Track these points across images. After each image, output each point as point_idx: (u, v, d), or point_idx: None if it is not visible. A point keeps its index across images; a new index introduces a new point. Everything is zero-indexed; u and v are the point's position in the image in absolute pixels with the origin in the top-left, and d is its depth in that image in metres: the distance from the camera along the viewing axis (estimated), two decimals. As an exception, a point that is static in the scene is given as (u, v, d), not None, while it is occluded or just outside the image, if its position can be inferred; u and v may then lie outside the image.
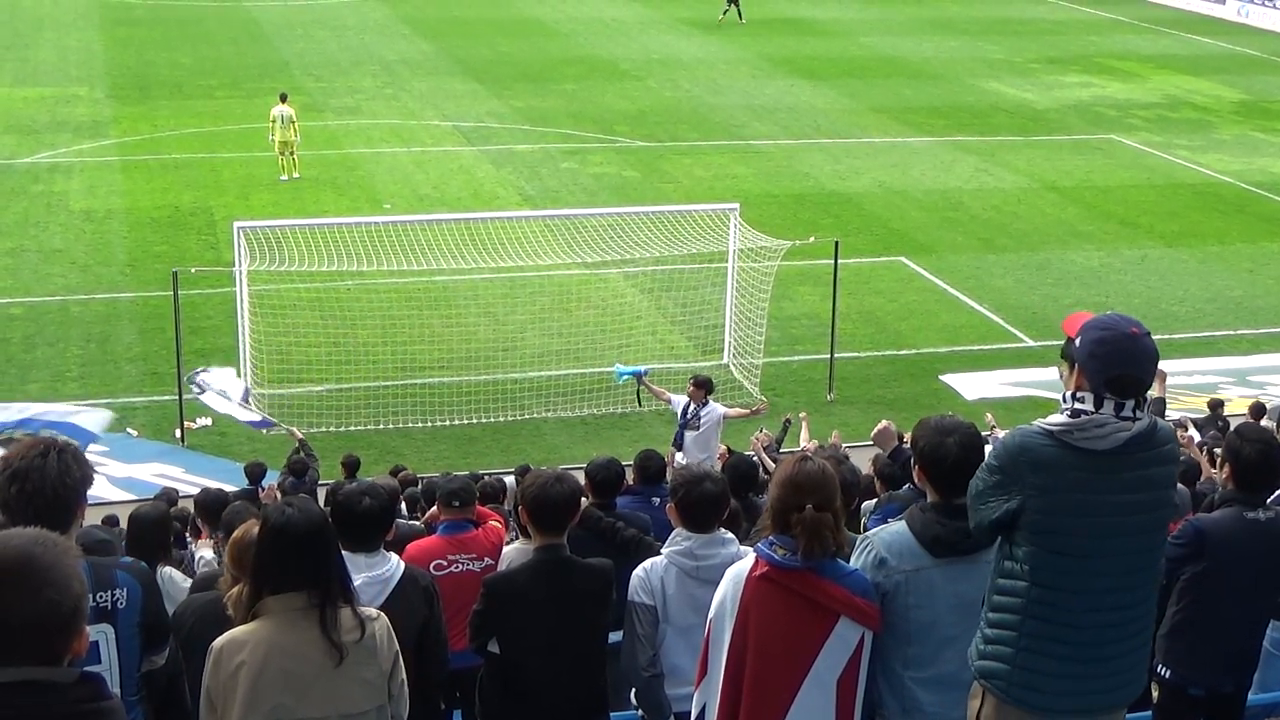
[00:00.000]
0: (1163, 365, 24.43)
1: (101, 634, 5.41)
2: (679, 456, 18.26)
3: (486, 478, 15.30)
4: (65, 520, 5.29)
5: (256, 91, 41.56)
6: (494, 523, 9.64)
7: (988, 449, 5.55)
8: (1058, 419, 5.21)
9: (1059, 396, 5.36)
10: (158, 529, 9.84)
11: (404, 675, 5.58)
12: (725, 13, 56.93)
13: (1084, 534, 5.16)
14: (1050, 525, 5.16)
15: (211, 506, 12.39)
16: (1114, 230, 33.07)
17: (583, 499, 7.86)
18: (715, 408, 19.03)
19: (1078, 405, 5.17)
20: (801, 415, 20.03)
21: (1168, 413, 21.53)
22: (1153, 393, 13.32)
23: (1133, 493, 5.18)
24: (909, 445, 7.15)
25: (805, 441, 18.44)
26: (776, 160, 37.53)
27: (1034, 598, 5.22)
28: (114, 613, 5.51)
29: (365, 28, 53.22)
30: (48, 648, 3.59)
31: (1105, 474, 5.13)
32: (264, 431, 20.98)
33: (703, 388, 19.06)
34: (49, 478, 5.25)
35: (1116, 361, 5.11)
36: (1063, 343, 5.41)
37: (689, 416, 18.91)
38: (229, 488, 18.07)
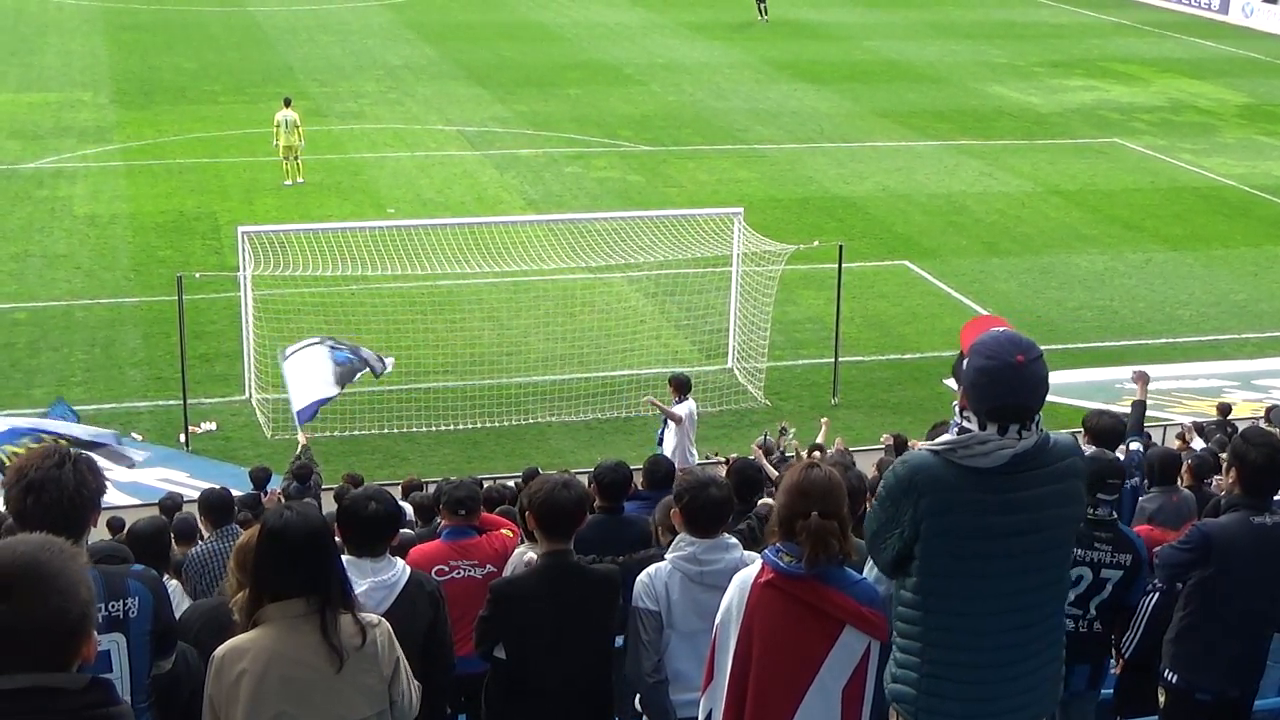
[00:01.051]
0: (1167, 369, 24.46)
1: (114, 643, 5.40)
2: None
3: (491, 483, 15.33)
4: (79, 530, 5.29)
5: (260, 96, 41.60)
6: (505, 531, 9.61)
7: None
8: (943, 438, 5.15)
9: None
10: (155, 542, 9.89)
11: (407, 682, 5.56)
12: (764, 15, 57.49)
13: (974, 555, 5.08)
14: (941, 548, 5.08)
15: (216, 506, 12.38)
16: (1118, 234, 33.06)
17: (590, 504, 7.84)
18: (680, 406, 19.33)
19: (964, 423, 5.10)
20: (823, 420, 20.10)
21: (1175, 417, 21.58)
22: (1134, 395, 13.35)
23: (1023, 512, 5.08)
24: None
25: (821, 441, 18.49)
26: (780, 164, 37.54)
27: (931, 624, 5.17)
28: (126, 622, 5.51)
29: (369, 32, 53.26)
30: (57, 654, 3.59)
31: (992, 493, 5.05)
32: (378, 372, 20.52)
33: (673, 386, 19.57)
34: (66, 489, 5.23)
35: (997, 393, 5.00)
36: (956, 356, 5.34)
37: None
38: (234, 493, 18.09)
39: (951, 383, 5.35)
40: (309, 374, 19.41)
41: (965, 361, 5.11)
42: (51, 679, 3.58)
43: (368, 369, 19.74)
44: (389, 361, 20.29)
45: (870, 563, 5.74)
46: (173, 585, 9.68)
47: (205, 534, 12.39)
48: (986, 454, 5.02)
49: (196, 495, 18.53)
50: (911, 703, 5.23)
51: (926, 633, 5.17)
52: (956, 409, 5.19)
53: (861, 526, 5.68)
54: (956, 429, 5.13)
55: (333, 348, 19.63)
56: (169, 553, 11.48)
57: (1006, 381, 4.98)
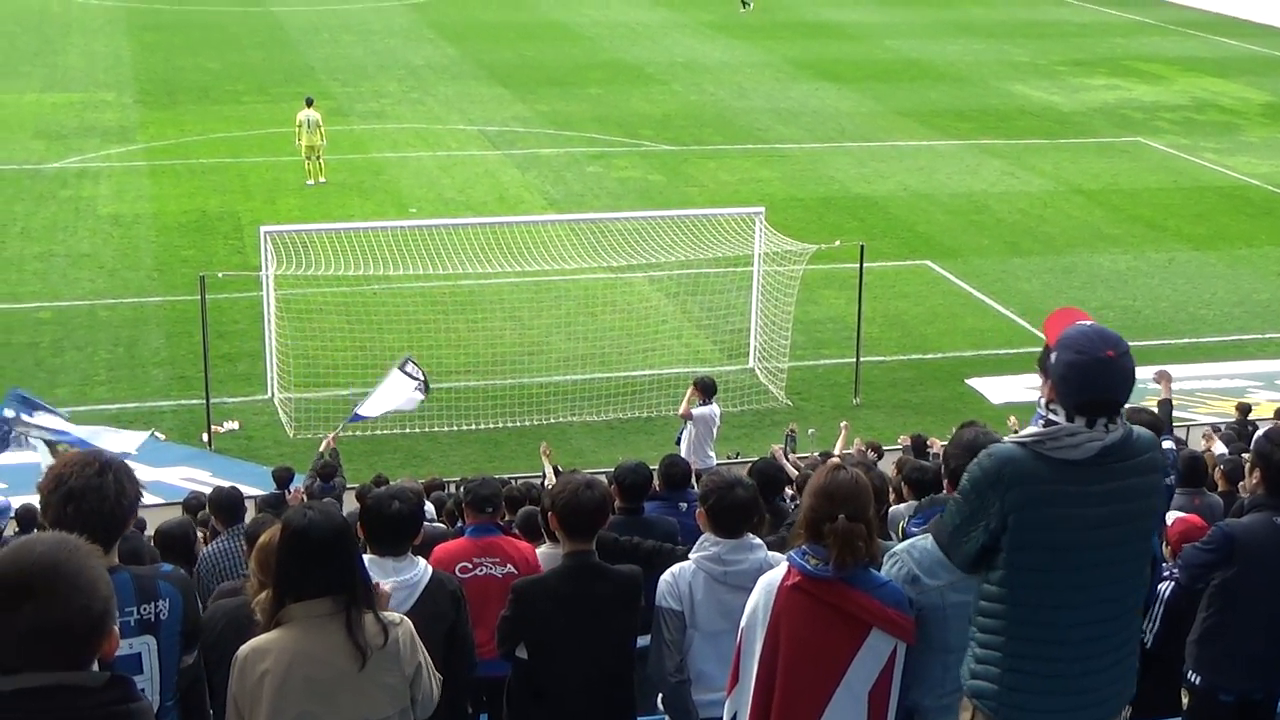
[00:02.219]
0: (1191, 369, 24.37)
1: (144, 645, 5.41)
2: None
3: (514, 483, 15.35)
4: (115, 537, 5.31)
5: (283, 96, 41.71)
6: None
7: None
8: (1030, 430, 5.16)
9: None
10: (182, 542, 9.95)
11: (429, 680, 5.57)
12: (746, 5, 57.73)
13: (1062, 547, 5.09)
14: (1029, 541, 5.08)
15: (226, 505, 12.41)
16: (1141, 233, 32.97)
17: (612, 505, 7.84)
18: (703, 409, 19.28)
19: (1050, 416, 5.11)
20: (843, 424, 20.07)
21: (1199, 418, 21.52)
22: (1159, 395, 13.25)
23: (1109, 504, 5.10)
24: (940, 456, 7.11)
25: (841, 449, 18.46)
26: (801, 164, 37.51)
27: (1016, 617, 5.17)
28: (157, 624, 5.52)
29: (391, 32, 53.35)
30: (79, 652, 3.61)
31: (1081, 484, 5.06)
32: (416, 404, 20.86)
33: (698, 388, 19.50)
34: (107, 498, 5.21)
35: (1088, 387, 5.02)
36: (1043, 347, 5.35)
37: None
38: (256, 491, 18.15)
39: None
40: (393, 391, 19.85)
41: (1053, 355, 5.11)
42: (72, 677, 3.60)
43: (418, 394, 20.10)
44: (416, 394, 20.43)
45: (889, 567, 5.73)
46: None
47: (218, 531, 12.42)
48: (1076, 446, 5.05)
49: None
50: (993, 698, 5.22)
51: (1011, 626, 5.17)
52: (1042, 402, 5.18)
53: (881, 526, 5.70)
54: (1042, 421, 5.13)
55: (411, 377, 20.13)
56: (195, 552, 11.55)
57: (1097, 375, 5.02)
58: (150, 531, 14.78)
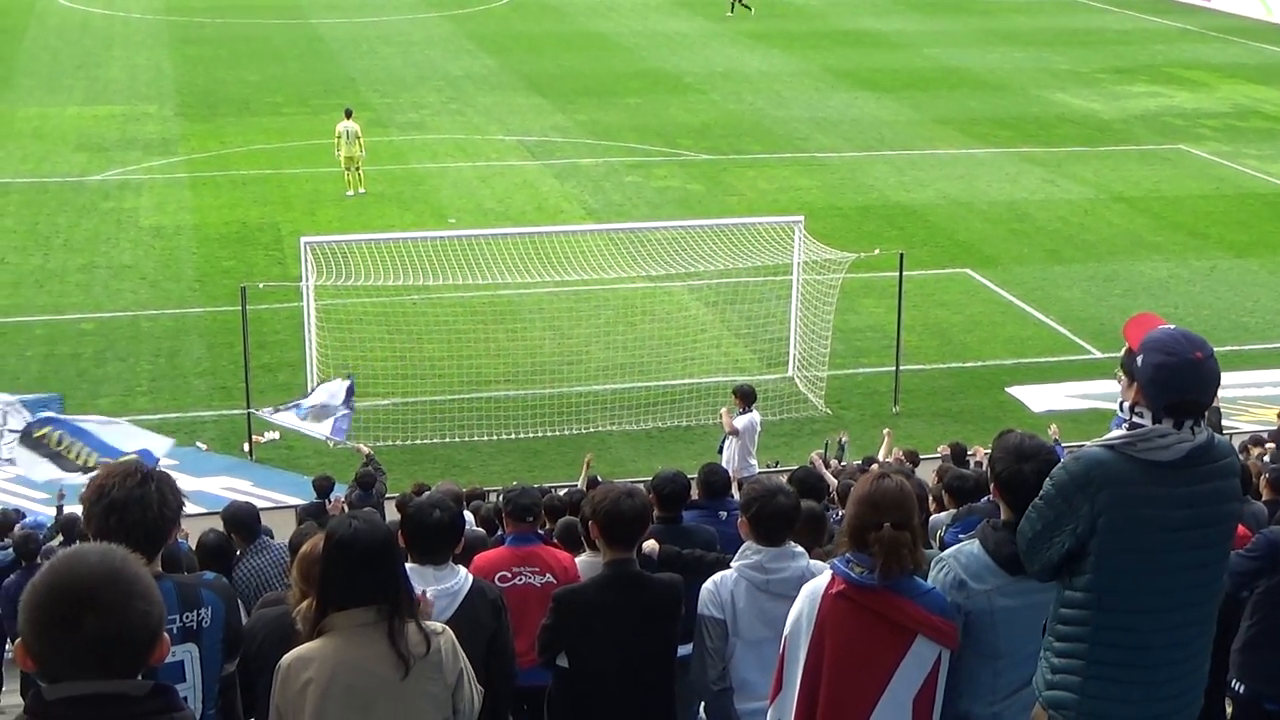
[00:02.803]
0: (1233, 377, 24.18)
1: (187, 653, 5.43)
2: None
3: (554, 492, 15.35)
4: (159, 548, 5.33)
5: (322, 108, 41.88)
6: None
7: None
8: (1117, 434, 5.16)
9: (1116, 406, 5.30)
10: (221, 554, 9.97)
11: (471, 690, 5.57)
12: (733, 9, 58.32)
13: (1151, 549, 5.09)
14: (1118, 544, 5.08)
15: (243, 521, 12.26)
16: (1183, 241, 32.77)
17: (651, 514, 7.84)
18: (743, 417, 19.31)
19: (1136, 419, 5.12)
20: (885, 431, 20.03)
21: (1241, 426, 21.37)
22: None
23: (1198, 506, 5.12)
24: (986, 463, 7.07)
25: (884, 456, 18.43)
26: (840, 173, 37.45)
27: (1101, 623, 5.15)
28: (199, 632, 5.55)
29: (430, 43, 53.53)
30: (136, 659, 3.61)
31: (1171, 486, 5.07)
32: (331, 443, 21.05)
33: (739, 396, 19.64)
34: (150, 509, 5.24)
35: (1178, 388, 5.04)
36: (1124, 350, 5.34)
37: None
38: (297, 501, 18.22)
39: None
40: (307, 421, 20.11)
41: (1140, 358, 5.14)
42: (116, 686, 3.59)
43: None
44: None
45: (935, 573, 5.70)
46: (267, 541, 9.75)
47: (238, 550, 12.19)
48: (1166, 447, 5.07)
49: (260, 504, 18.72)
50: (1073, 708, 5.21)
51: (1095, 632, 5.16)
52: (1125, 405, 5.21)
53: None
54: (1125, 424, 5.15)
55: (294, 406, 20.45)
56: (234, 564, 11.55)
57: (1187, 377, 5.05)
58: (192, 542, 14.87)
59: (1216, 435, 5.24)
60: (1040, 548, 5.21)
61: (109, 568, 3.58)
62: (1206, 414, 5.16)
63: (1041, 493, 5.25)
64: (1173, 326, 5.22)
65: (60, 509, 17.44)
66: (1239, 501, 5.35)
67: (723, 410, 19.89)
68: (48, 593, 3.54)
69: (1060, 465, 5.24)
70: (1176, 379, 5.03)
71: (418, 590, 6.33)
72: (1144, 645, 5.15)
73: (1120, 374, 5.28)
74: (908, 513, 5.53)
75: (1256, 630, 7.55)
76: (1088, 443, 5.28)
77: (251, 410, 21.49)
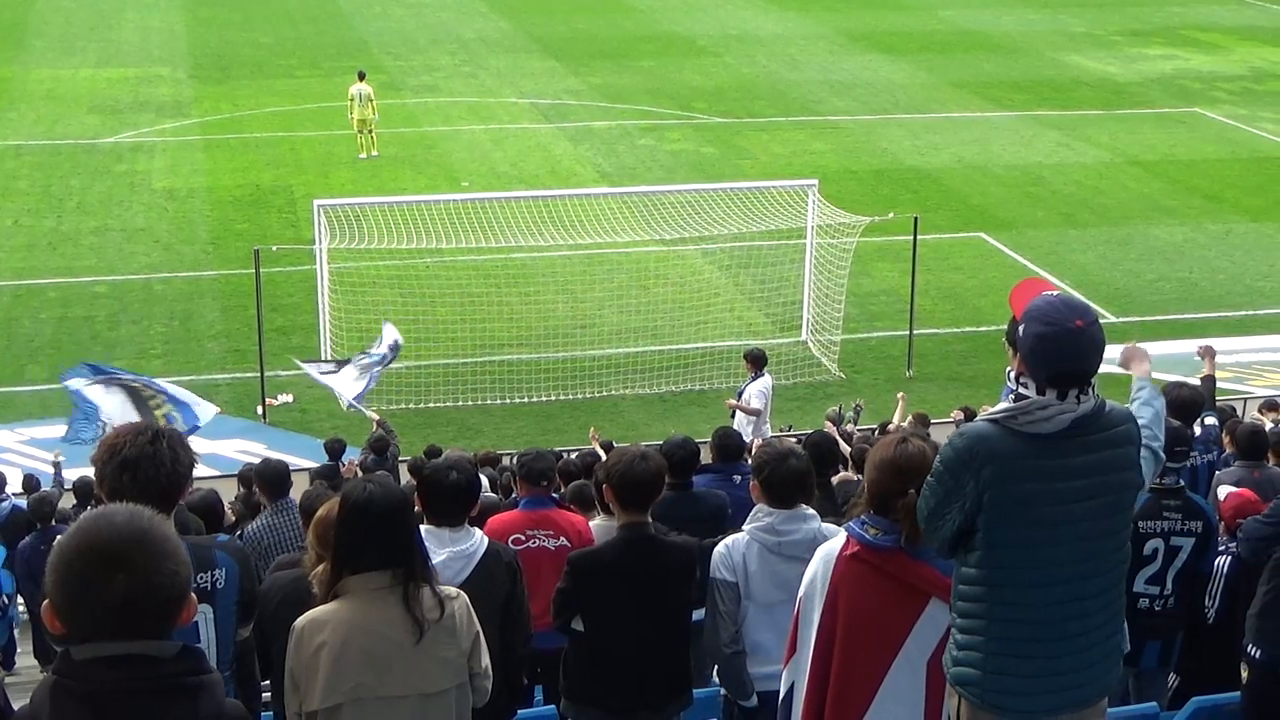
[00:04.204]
0: (1248, 342, 24.07)
1: (201, 615, 5.45)
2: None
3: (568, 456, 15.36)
4: (172, 505, 5.35)
5: (335, 70, 41.81)
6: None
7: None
8: (1001, 406, 5.11)
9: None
10: (210, 512, 10.03)
11: (485, 656, 5.57)
12: None
13: (1039, 523, 5.02)
14: (1005, 517, 5.01)
15: (273, 478, 12.32)
16: (1198, 205, 32.64)
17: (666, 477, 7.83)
18: (757, 382, 19.17)
19: (1020, 390, 5.05)
20: (899, 395, 19.99)
21: (1256, 391, 21.31)
22: (1202, 371, 13.17)
23: (1085, 477, 5.03)
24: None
25: (899, 421, 18.38)
26: (855, 136, 37.32)
27: (996, 598, 5.10)
28: (213, 593, 5.55)
29: (443, 6, 53.36)
30: (167, 618, 3.60)
31: (1054, 458, 4.99)
32: (344, 405, 20.98)
33: (750, 361, 19.48)
34: (163, 466, 5.27)
35: (1058, 358, 4.96)
36: (1009, 320, 5.27)
37: (741, 390, 19.45)
38: (310, 464, 18.26)
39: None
40: (337, 376, 19.92)
41: (1021, 328, 5.07)
42: (144, 646, 3.57)
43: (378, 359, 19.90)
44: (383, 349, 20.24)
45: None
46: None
47: (264, 506, 12.31)
48: (1048, 419, 4.98)
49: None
50: (977, 684, 5.16)
51: (991, 608, 5.11)
52: (1011, 375, 5.14)
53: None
54: (1012, 396, 5.09)
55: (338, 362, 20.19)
56: (223, 524, 11.56)
57: (1067, 347, 4.96)
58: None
59: (1109, 403, 5.15)
60: (935, 525, 5.15)
61: (138, 528, 3.56)
62: (1094, 382, 5.07)
63: (932, 469, 5.19)
64: (1055, 294, 5.15)
65: (58, 466, 17.53)
66: (1134, 470, 5.21)
67: (729, 403, 19.70)
68: (77, 554, 3.52)
69: (947, 442, 5.18)
70: (1056, 349, 4.95)
71: (440, 552, 6.35)
72: (1039, 620, 5.08)
73: (1006, 344, 5.24)
74: None
75: (1273, 595, 7.53)
76: (978, 416, 5.23)
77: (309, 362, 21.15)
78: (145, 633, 3.56)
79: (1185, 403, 10.03)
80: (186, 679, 3.62)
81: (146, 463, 5.24)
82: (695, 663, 7.36)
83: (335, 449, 17.29)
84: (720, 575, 6.73)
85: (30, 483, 16.71)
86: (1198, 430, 10.82)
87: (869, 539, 5.48)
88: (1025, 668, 5.11)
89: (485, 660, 5.58)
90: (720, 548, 6.81)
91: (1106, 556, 5.18)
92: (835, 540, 5.68)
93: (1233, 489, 8.99)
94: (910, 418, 18.63)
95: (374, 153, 34.11)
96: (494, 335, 23.84)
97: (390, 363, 20.21)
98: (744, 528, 6.83)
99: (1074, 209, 31.99)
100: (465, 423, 21.84)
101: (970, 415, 17.60)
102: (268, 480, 12.30)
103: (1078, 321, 4.98)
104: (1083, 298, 5.22)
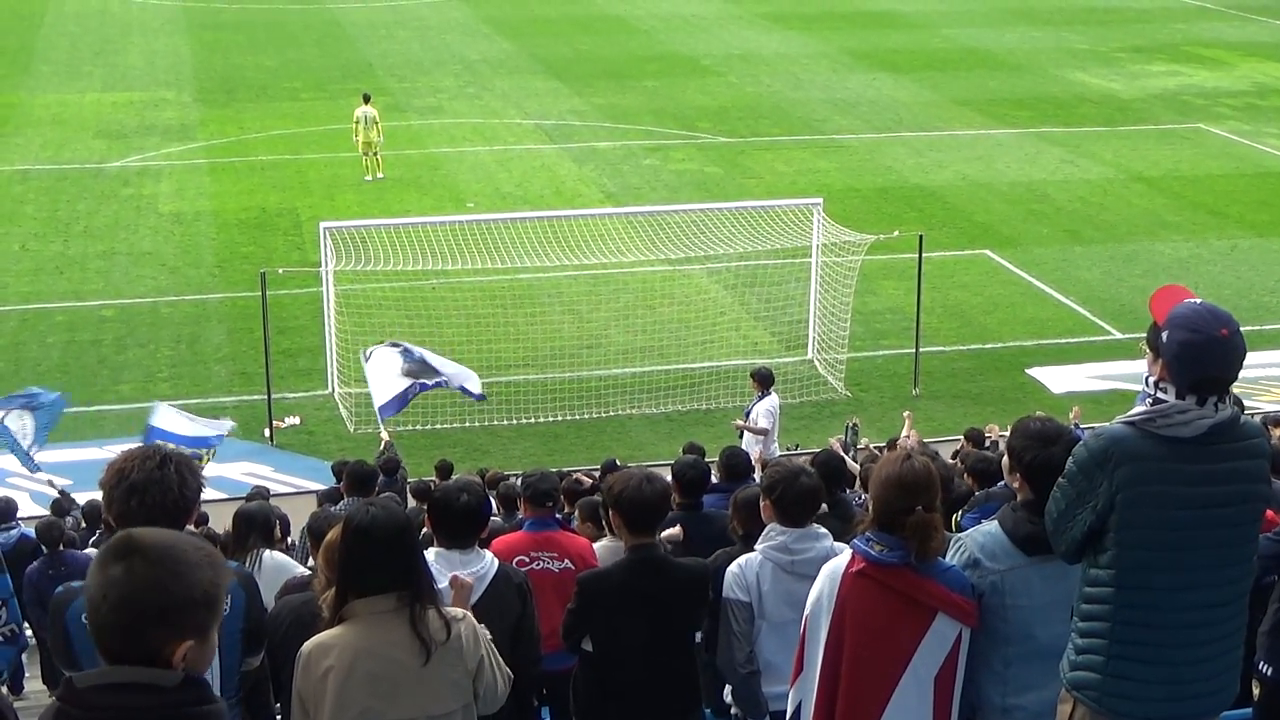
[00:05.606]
0: (1254, 357, 23.90)
1: None
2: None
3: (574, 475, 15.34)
4: (179, 530, 5.34)
5: (340, 93, 41.90)
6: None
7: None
8: (1139, 410, 5.12)
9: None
10: (264, 521, 10.10)
11: (493, 674, 5.57)
12: None
13: (1172, 527, 5.04)
14: (1138, 520, 5.03)
15: (359, 478, 12.92)
16: (1203, 220, 32.64)
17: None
18: (764, 401, 19.17)
19: (1159, 395, 5.07)
20: (906, 414, 19.99)
21: (1262, 406, 21.28)
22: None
23: (1220, 484, 5.06)
24: (1004, 448, 7.01)
25: (906, 437, 18.37)
26: (859, 154, 37.36)
27: (1123, 602, 5.10)
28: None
29: (447, 28, 53.49)
30: (205, 623, 3.66)
31: (1191, 463, 5.02)
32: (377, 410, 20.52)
33: (756, 380, 19.53)
34: (170, 491, 5.26)
35: (1202, 365, 4.99)
36: (1149, 325, 5.28)
37: (748, 409, 19.51)
38: (317, 486, 18.25)
39: (1144, 364, 5.25)
40: (384, 373, 19.55)
41: (1165, 333, 5.08)
42: (147, 674, 3.59)
43: (444, 382, 19.59)
44: (473, 385, 19.93)
45: (952, 553, 5.69)
46: (279, 558, 9.74)
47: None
48: (1186, 423, 5.02)
49: (282, 489, 18.81)
50: (1096, 688, 5.16)
51: (1117, 610, 5.11)
52: (1150, 381, 5.15)
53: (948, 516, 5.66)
54: (1149, 400, 5.10)
55: (405, 350, 19.69)
56: (273, 529, 11.60)
57: (1211, 354, 5.00)
58: (214, 526, 14.93)
59: (1244, 415, 5.18)
60: (1064, 526, 5.17)
61: (167, 538, 3.70)
62: (1232, 391, 5.11)
63: (1065, 471, 5.21)
64: (1199, 301, 5.16)
65: (63, 492, 17.52)
66: (1265, 483, 5.26)
67: (736, 423, 19.76)
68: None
69: (1081, 443, 5.21)
70: (1201, 356, 4.98)
71: (449, 574, 6.34)
72: (1165, 625, 5.10)
73: (1145, 348, 5.24)
74: (935, 494, 5.54)
75: (1284, 613, 7.51)
76: (1115, 419, 5.24)
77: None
78: (188, 634, 3.65)
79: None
80: (188, 709, 3.63)
81: (154, 487, 5.23)
82: (706, 683, 7.35)
83: (341, 472, 17.24)
84: (734, 595, 6.73)
85: (61, 505, 16.74)
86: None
87: (874, 555, 5.48)
88: (1148, 673, 5.12)
89: (492, 681, 5.57)
90: (733, 567, 6.81)
91: (1234, 566, 5.20)
92: (840, 557, 5.69)
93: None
94: (915, 436, 18.58)
95: (379, 175, 34.17)
96: (500, 356, 23.85)
97: (440, 387, 19.84)
98: (756, 547, 6.83)
99: (1079, 225, 32.00)
100: (472, 444, 21.83)
101: (977, 436, 17.57)
102: (356, 480, 12.91)
103: (1223, 330, 5.02)
104: (1225, 308, 5.21)
